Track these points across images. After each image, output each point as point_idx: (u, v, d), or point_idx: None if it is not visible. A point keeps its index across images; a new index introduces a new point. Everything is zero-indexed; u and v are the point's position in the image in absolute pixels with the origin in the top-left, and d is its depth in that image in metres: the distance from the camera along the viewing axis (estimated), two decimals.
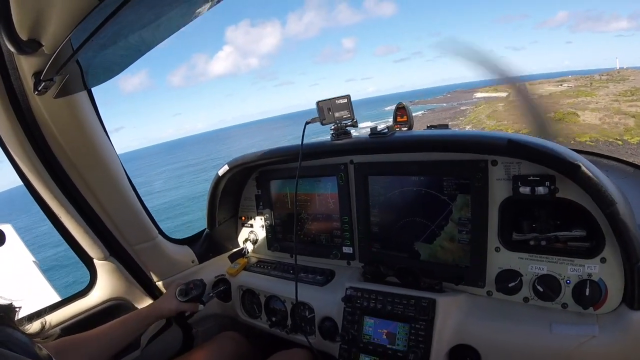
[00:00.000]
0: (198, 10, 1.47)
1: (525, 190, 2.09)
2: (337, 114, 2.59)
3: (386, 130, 2.54)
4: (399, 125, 2.72)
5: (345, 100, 2.60)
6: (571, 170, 1.88)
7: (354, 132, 2.74)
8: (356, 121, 2.67)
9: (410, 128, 2.71)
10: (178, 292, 2.78)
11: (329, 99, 2.58)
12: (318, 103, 2.57)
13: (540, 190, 2.05)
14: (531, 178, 2.09)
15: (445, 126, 2.70)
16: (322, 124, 2.59)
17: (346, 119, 2.64)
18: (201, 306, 2.88)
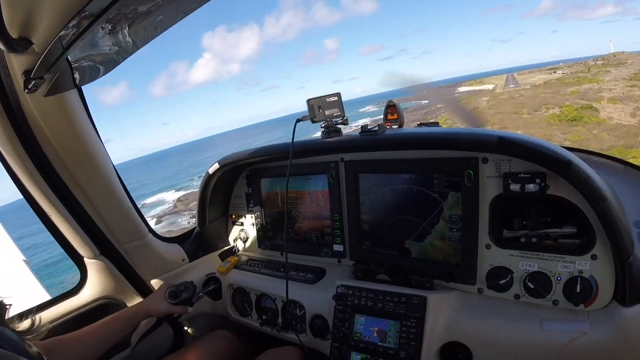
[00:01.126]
0: (186, 9, 1.47)
1: (515, 187, 2.10)
2: (327, 112, 2.59)
3: (377, 128, 2.54)
4: (389, 123, 2.73)
5: (336, 98, 2.60)
6: (562, 167, 1.88)
7: (344, 130, 2.73)
8: (347, 119, 2.67)
9: (400, 126, 2.72)
10: (168, 294, 2.77)
11: (320, 97, 2.58)
12: (309, 101, 2.57)
13: (531, 187, 2.05)
14: (522, 175, 2.09)
15: (436, 124, 2.71)
16: (313, 122, 2.59)
17: (337, 116, 2.63)
18: (190, 308, 2.87)
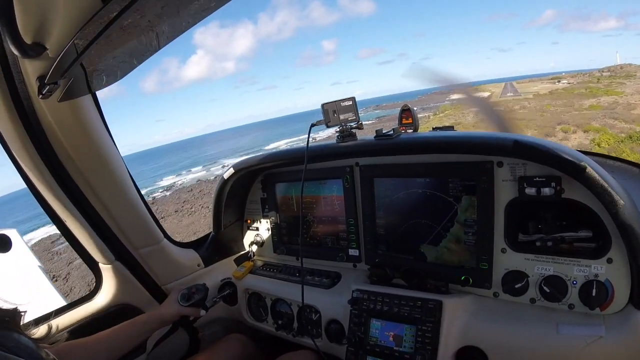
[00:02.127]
0: (203, 13, 1.47)
1: (531, 191, 2.09)
2: (342, 116, 2.59)
3: (391, 132, 2.54)
4: (404, 127, 2.72)
5: (351, 103, 2.60)
6: (577, 171, 1.88)
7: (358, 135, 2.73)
8: (361, 123, 2.67)
9: (415, 130, 2.71)
10: (180, 296, 2.79)
11: (334, 101, 2.58)
12: (323, 105, 2.57)
13: (546, 191, 2.05)
14: (537, 179, 2.09)
15: (451, 128, 2.71)
16: (328, 127, 2.60)
17: (351, 120, 2.63)
18: (203, 311, 2.88)
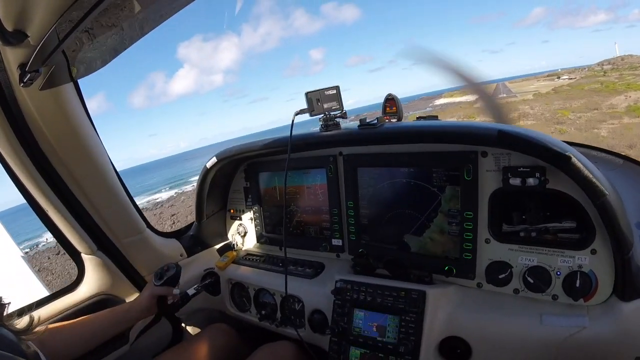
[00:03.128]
0: (183, 1, 1.45)
1: (515, 181, 2.10)
2: (326, 105, 2.57)
3: (375, 121, 2.53)
4: (388, 117, 2.72)
5: (334, 91, 2.58)
6: (562, 162, 1.87)
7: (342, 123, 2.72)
8: (345, 112, 2.66)
9: (399, 119, 2.71)
10: (154, 276, 2.76)
11: (318, 90, 2.56)
12: (307, 94, 2.55)
13: (531, 181, 2.05)
14: (521, 169, 2.09)
15: (435, 117, 2.71)
16: (311, 115, 2.58)
17: (335, 109, 2.62)
18: (176, 290, 2.82)
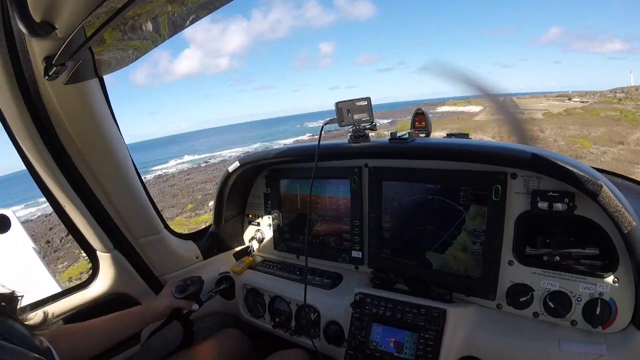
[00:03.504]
0: (215, 3, 1.43)
1: (543, 205, 2.09)
2: (356, 116, 2.58)
3: (407, 135, 2.53)
4: (417, 131, 2.73)
5: (365, 103, 2.58)
6: (593, 190, 1.87)
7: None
8: (375, 124, 2.66)
9: (428, 134, 2.73)
10: (175, 288, 2.75)
11: (349, 101, 2.57)
12: (337, 104, 2.56)
13: (559, 206, 2.04)
14: (550, 194, 2.08)
15: (466, 135, 2.69)
16: (340, 126, 2.58)
17: (365, 121, 2.62)
18: (196, 305, 2.83)
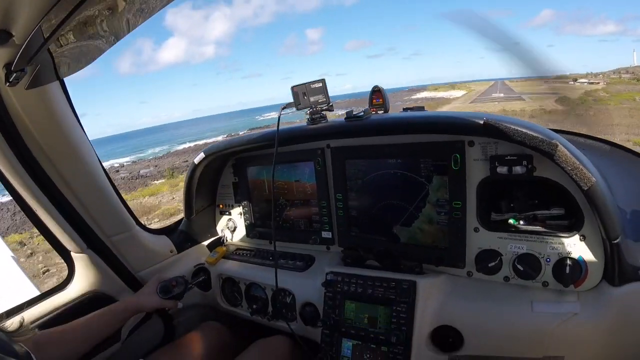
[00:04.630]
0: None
1: (502, 170, 2.10)
2: (312, 99, 2.57)
3: (362, 113, 2.53)
4: (374, 109, 2.73)
5: (321, 85, 2.58)
6: (549, 150, 1.88)
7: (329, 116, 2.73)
8: (332, 105, 2.65)
9: (386, 111, 2.72)
10: (160, 288, 2.76)
11: (304, 84, 2.56)
12: (293, 88, 2.55)
13: (518, 169, 2.06)
14: (508, 158, 2.09)
15: (422, 108, 2.71)
16: (297, 109, 2.58)
17: (322, 103, 2.61)
18: (180, 304, 2.86)
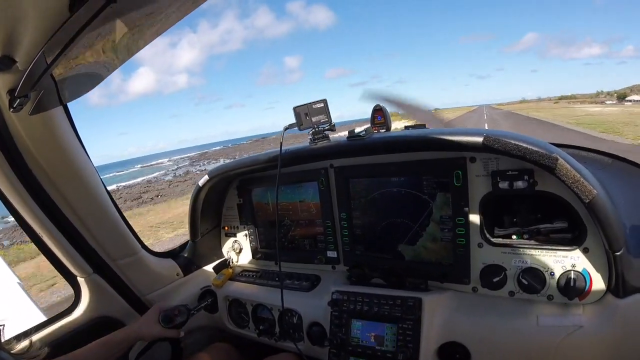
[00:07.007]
0: (174, 19, 1.47)
1: (504, 185, 2.12)
2: (314, 119, 2.59)
3: (363, 132, 2.55)
4: (376, 127, 2.74)
5: (322, 105, 2.60)
6: (549, 164, 1.89)
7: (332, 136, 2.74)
8: (334, 125, 2.67)
9: (388, 129, 2.73)
10: (162, 318, 2.74)
11: (306, 104, 2.58)
12: (295, 109, 2.57)
13: (519, 184, 2.08)
14: (510, 173, 2.11)
15: (423, 126, 2.72)
16: (300, 130, 2.59)
17: (324, 123, 2.63)
18: (182, 332, 2.84)
